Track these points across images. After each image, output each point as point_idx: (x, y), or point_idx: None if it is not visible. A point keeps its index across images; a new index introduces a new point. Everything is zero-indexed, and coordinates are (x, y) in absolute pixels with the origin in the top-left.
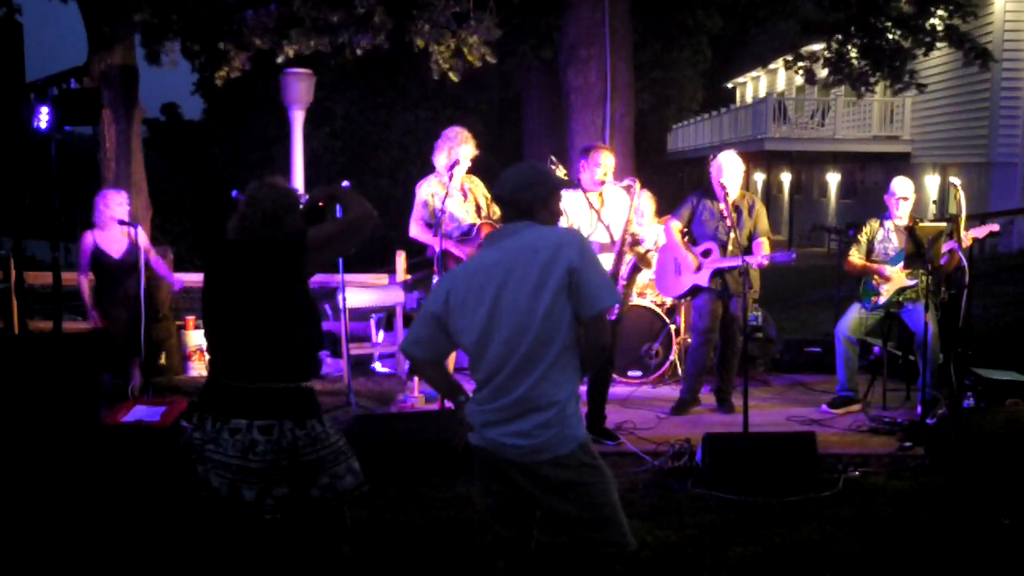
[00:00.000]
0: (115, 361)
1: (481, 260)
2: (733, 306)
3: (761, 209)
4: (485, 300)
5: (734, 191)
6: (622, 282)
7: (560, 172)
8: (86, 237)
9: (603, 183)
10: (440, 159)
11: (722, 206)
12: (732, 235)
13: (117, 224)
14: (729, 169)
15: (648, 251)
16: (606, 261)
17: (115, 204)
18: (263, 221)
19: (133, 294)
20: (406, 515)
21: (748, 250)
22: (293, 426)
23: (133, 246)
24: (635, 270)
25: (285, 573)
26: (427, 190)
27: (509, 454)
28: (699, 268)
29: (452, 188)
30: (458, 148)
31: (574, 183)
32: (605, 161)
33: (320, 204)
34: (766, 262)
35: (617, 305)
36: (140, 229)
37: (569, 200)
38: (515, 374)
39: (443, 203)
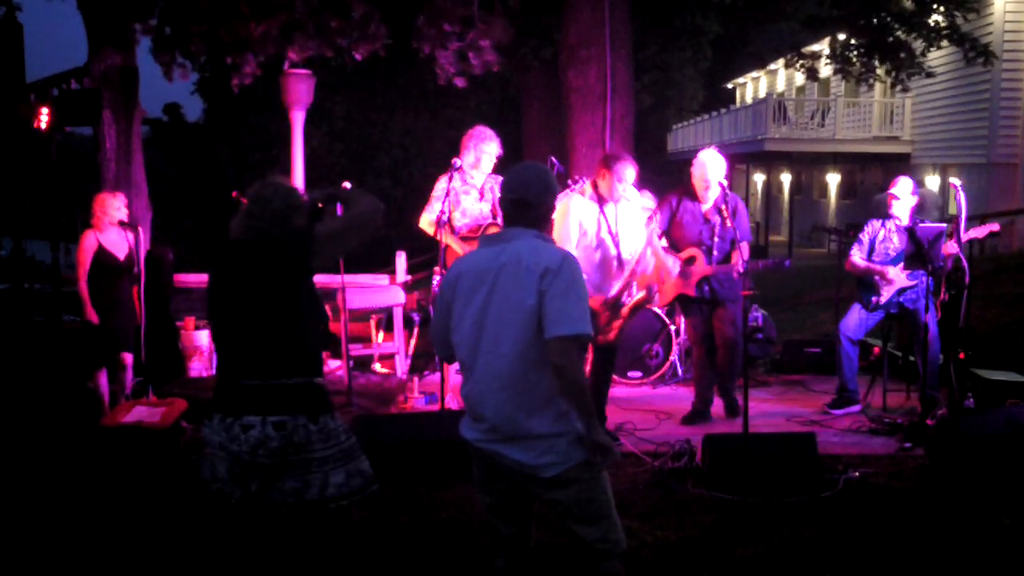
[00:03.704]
0: (113, 360)
1: (478, 259)
2: (725, 311)
3: (744, 211)
4: (474, 304)
5: (716, 191)
6: (624, 311)
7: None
8: (88, 238)
9: (623, 198)
10: (467, 158)
11: (705, 207)
12: (716, 239)
13: (116, 226)
14: (712, 168)
15: (655, 294)
16: (615, 284)
17: (111, 208)
18: (271, 219)
19: (129, 296)
20: (406, 515)
21: (728, 257)
22: (306, 421)
23: (132, 247)
24: (641, 303)
25: (289, 573)
26: (443, 185)
27: (509, 464)
28: (684, 276)
29: (471, 186)
30: (482, 145)
31: (569, 185)
32: (629, 176)
33: (320, 204)
34: (743, 268)
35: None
36: (139, 230)
37: (581, 207)
38: (499, 392)
39: (457, 198)
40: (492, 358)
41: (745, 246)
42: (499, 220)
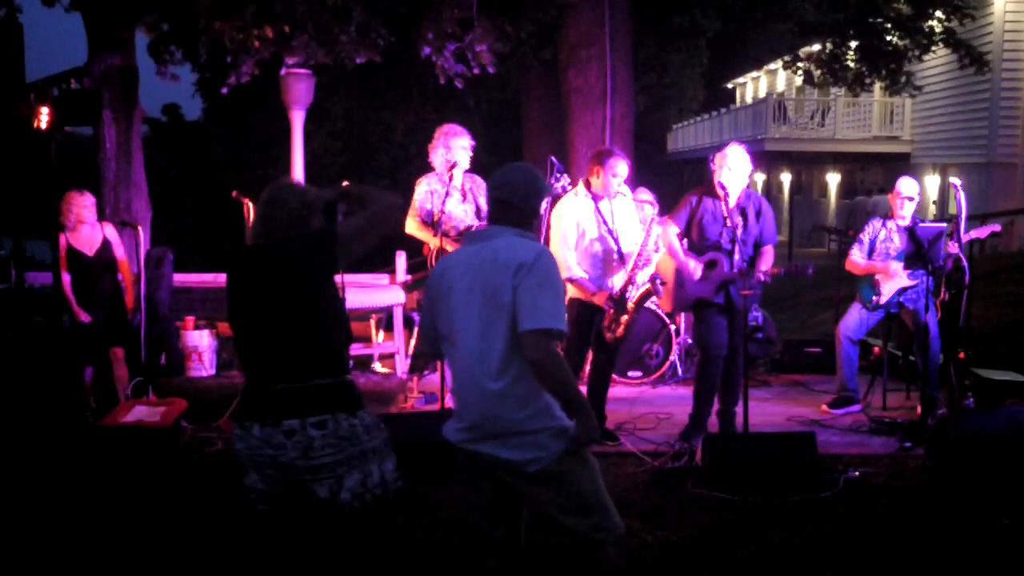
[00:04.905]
0: (97, 356)
1: (461, 256)
2: (738, 320)
3: (769, 212)
4: (458, 300)
5: (738, 191)
6: (630, 304)
7: (565, 180)
8: (60, 239)
9: (618, 193)
10: (437, 158)
11: (725, 208)
12: (737, 242)
13: (86, 223)
14: (735, 165)
15: (664, 283)
16: (617, 279)
17: (76, 205)
18: (289, 222)
19: (108, 291)
20: (405, 515)
21: (753, 262)
22: (346, 416)
23: (106, 243)
24: (646, 295)
25: (289, 573)
26: (424, 188)
27: (493, 462)
28: (703, 279)
29: (451, 187)
30: (455, 140)
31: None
32: (622, 170)
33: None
34: (769, 279)
35: (621, 326)
36: (139, 230)
37: (577, 207)
38: (476, 388)
39: (443, 202)
40: (474, 353)
41: (770, 250)
42: (481, 220)
